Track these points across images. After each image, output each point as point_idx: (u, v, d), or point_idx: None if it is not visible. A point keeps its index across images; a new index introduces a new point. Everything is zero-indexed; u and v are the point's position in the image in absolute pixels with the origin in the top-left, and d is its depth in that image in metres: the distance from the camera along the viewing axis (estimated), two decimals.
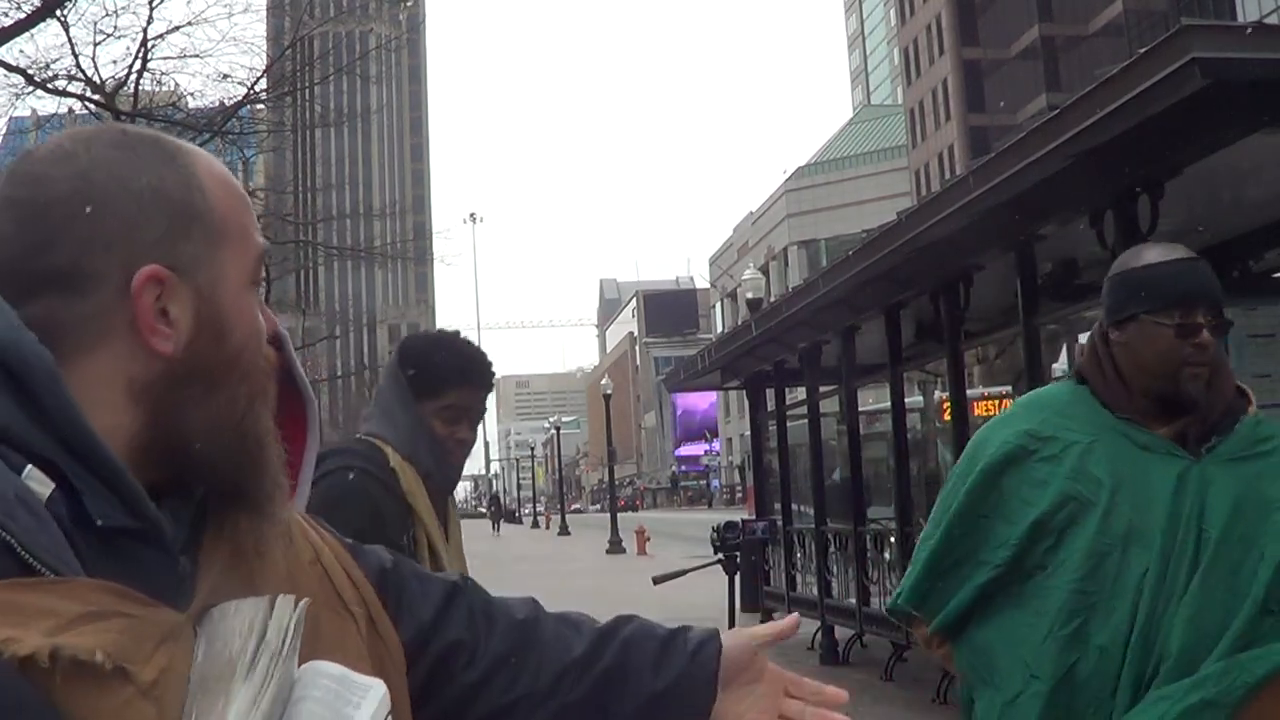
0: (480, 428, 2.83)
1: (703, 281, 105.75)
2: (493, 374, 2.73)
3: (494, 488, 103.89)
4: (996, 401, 11.40)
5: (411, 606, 1.12)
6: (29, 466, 0.78)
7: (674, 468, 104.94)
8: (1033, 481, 2.20)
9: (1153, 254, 2.24)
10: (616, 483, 43.14)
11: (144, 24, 16.88)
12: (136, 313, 0.89)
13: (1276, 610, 2.09)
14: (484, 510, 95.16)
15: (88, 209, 0.89)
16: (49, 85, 16.48)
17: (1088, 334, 2.40)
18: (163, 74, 17.63)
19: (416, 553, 2.45)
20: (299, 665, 0.84)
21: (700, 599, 13.65)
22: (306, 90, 20.69)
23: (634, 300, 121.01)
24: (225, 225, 0.95)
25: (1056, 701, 2.09)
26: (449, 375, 2.61)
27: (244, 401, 0.94)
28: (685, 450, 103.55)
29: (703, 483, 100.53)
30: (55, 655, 0.72)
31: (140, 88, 17.44)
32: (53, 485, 0.79)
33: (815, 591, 10.87)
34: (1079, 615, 2.10)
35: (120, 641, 0.75)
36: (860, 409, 11.55)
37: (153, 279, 0.89)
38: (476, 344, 2.72)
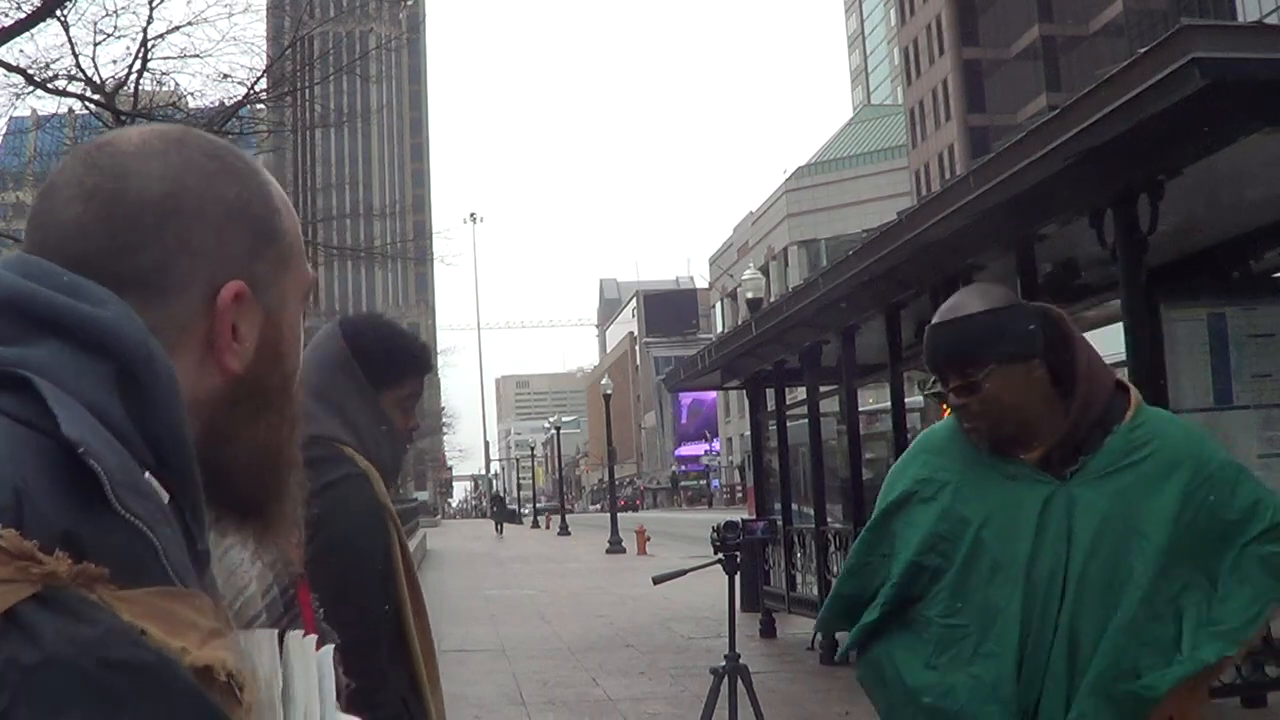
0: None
1: (703, 281, 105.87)
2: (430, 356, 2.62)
3: (494, 488, 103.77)
4: None
5: None
6: (147, 474, 0.76)
7: (674, 468, 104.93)
8: (911, 524, 2.35)
9: (936, 315, 2.33)
10: (616, 483, 43.13)
11: (144, 24, 16.89)
12: (217, 327, 0.88)
13: (1149, 627, 2.10)
14: (486, 511, 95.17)
15: (181, 214, 0.87)
16: (49, 85, 16.49)
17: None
18: (163, 74, 17.63)
19: (390, 557, 2.33)
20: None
21: (700, 599, 13.67)
22: (306, 90, 20.69)
23: (634, 300, 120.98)
24: (292, 249, 0.95)
25: None
26: (408, 361, 2.46)
27: (287, 427, 0.95)
28: (685, 450, 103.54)
29: (703, 483, 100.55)
30: (223, 669, 0.71)
31: (140, 88, 17.44)
32: (169, 498, 0.77)
33: (815, 591, 10.88)
34: (951, 647, 2.23)
35: (240, 662, 0.75)
36: (860, 409, 11.55)
37: (239, 295, 0.88)
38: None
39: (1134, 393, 2.30)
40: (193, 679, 0.69)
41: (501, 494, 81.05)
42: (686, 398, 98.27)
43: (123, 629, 0.67)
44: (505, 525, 54.14)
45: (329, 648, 0.88)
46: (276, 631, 0.88)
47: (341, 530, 2.20)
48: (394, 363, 2.43)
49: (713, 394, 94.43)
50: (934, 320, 2.31)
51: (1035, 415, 2.23)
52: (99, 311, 0.79)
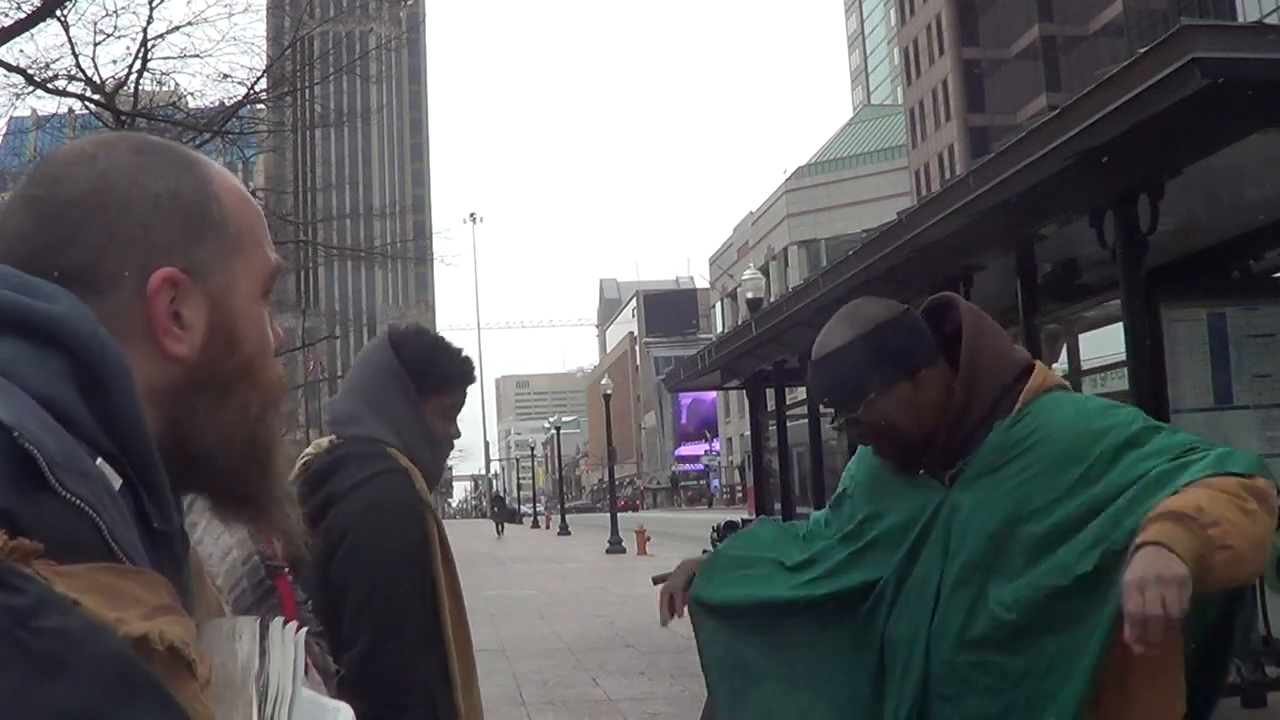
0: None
1: (703, 281, 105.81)
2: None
3: (494, 488, 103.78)
4: None
5: None
6: (99, 459, 0.79)
7: (674, 468, 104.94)
8: (824, 532, 2.40)
9: (813, 348, 2.29)
10: (616, 483, 43.13)
11: (144, 24, 16.91)
12: (152, 313, 0.90)
13: (1023, 629, 2.00)
14: (486, 511, 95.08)
15: (106, 208, 0.90)
16: (49, 85, 16.49)
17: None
18: (163, 74, 17.64)
19: (425, 551, 2.46)
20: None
21: None
22: (306, 90, 20.69)
23: (634, 300, 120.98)
24: (239, 235, 0.97)
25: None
26: (454, 374, 2.61)
27: (255, 409, 0.96)
28: (685, 450, 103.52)
29: (703, 483, 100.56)
30: (161, 639, 0.73)
31: (140, 88, 17.45)
32: (121, 481, 0.80)
33: None
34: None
35: (190, 637, 0.76)
36: None
37: (168, 281, 0.90)
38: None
39: (1034, 379, 2.15)
40: (125, 647, 0.71)
41: (502, 494, 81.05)
42: (686, 398, 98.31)
43: (53, 598, 0.70)
44: (505, 525, 54.13)
45: (301, 631, 0.89)
46: (259, 619, 0.89)
47: (370, 524, 2.39)
48: (437, 373, 2.59)
49: (712, 394, 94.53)
50: (811, 355, 2.25)
51: (935, 422, 2.15)
52: (51, 307, 0.83)
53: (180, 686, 0.74)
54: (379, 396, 2.55)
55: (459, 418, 2.67)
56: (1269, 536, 1.89)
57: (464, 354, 2.67)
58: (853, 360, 2.16)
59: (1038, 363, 2.22)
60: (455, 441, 2.69)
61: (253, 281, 0.97)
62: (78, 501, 0.74)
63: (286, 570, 1.96)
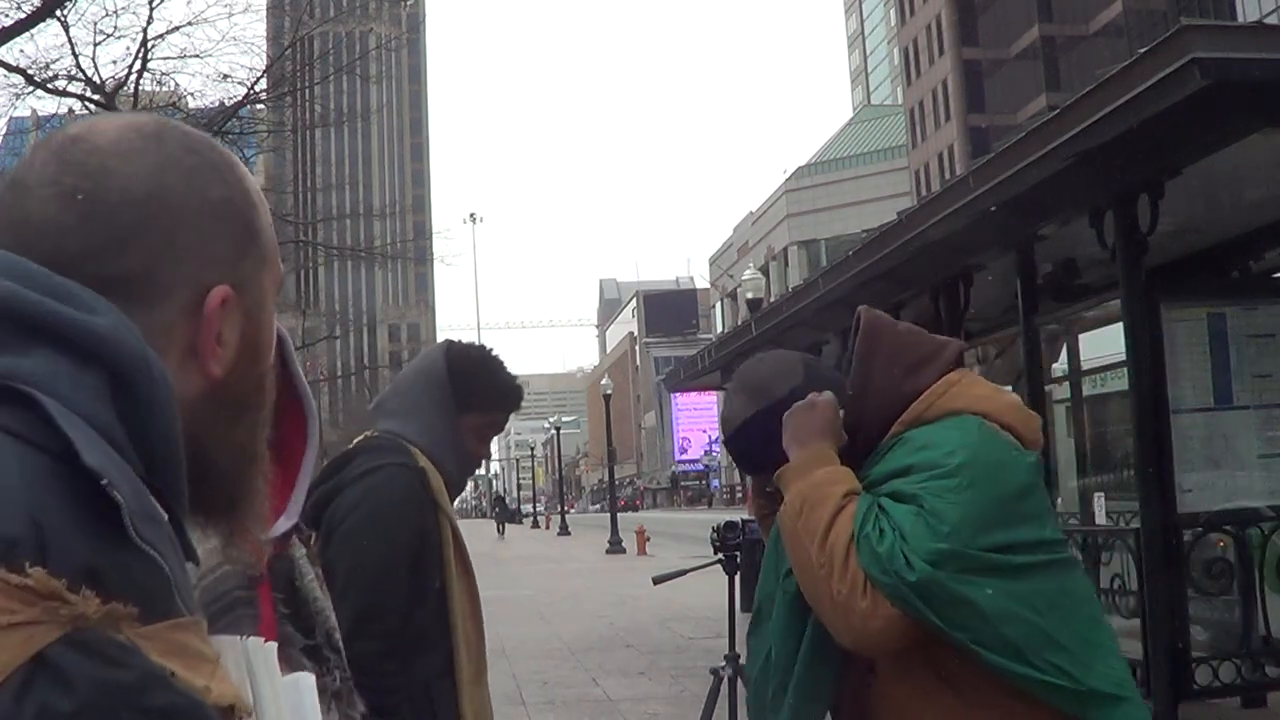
0: None
1: (703, 281, 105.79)
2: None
3: (494, 488, 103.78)
4: None
5: None
6: (148, 494, 0.73)
7: (674, 468, 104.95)
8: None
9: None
10: (616, 483, 43.13)
11: (144, 24, 16.94)
12: (202, 332, 0.84)
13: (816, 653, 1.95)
14: (486, 511, 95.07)
15: (164, 214, 0.83)
16: (49, 85, 16.50)
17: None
18: (163, 74, 17.66)
19: (443, 549, 2.49)
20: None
21: (700, 599, 13.66)
22: (306, 90, 20.71)
23: (634, 300, 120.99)
24: (270, 246, 0.92)
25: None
26: (498, 396, 2.65)
27: (262, 426, 0.93)
28: (685, 450, 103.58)
29: (703, 483, 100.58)
30: (241, 708, 0.70)
31: (140, 88, 17.46)
32: (167, 516, 0.74)
33: None
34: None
35: (244, 694, 0.75)
36: None
37: (226, 301, 0.85)
38: None
39: (916, 406, 1.95)
40: (218, 718, 0.68)
41: (502, 494, 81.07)
42: (687, 398, 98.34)
43: (155, 673, 0.65)
44: (506, 525, 54.16)
45: (272, 645, 0.87)
46: (240, 639, 0.86)
47: (362, 514, 2.43)
48: (479, 391, 2.63)
49: (712, 395, 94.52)
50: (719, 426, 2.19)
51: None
52: (94, 320, 0.74)
53: None
54: (418, 399, 2.60)
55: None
56: (805, 575, 1.89)
57: (513, 381, 2.70)
58: (756, 438, 2.03)
59: (947, 379, 1.98)
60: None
61: (274, 293, 0.93)
62: (152, 552, 0.68)
63: (263, 577, 1.93)
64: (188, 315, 0.83)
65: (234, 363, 0.87)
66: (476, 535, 49.13)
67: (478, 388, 2.62)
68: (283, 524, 1.58)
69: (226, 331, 0.86)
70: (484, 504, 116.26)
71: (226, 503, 0.92)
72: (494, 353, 2.75)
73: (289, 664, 1.54)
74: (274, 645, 0.87)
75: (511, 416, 2.85)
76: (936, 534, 1.77)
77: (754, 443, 2.04)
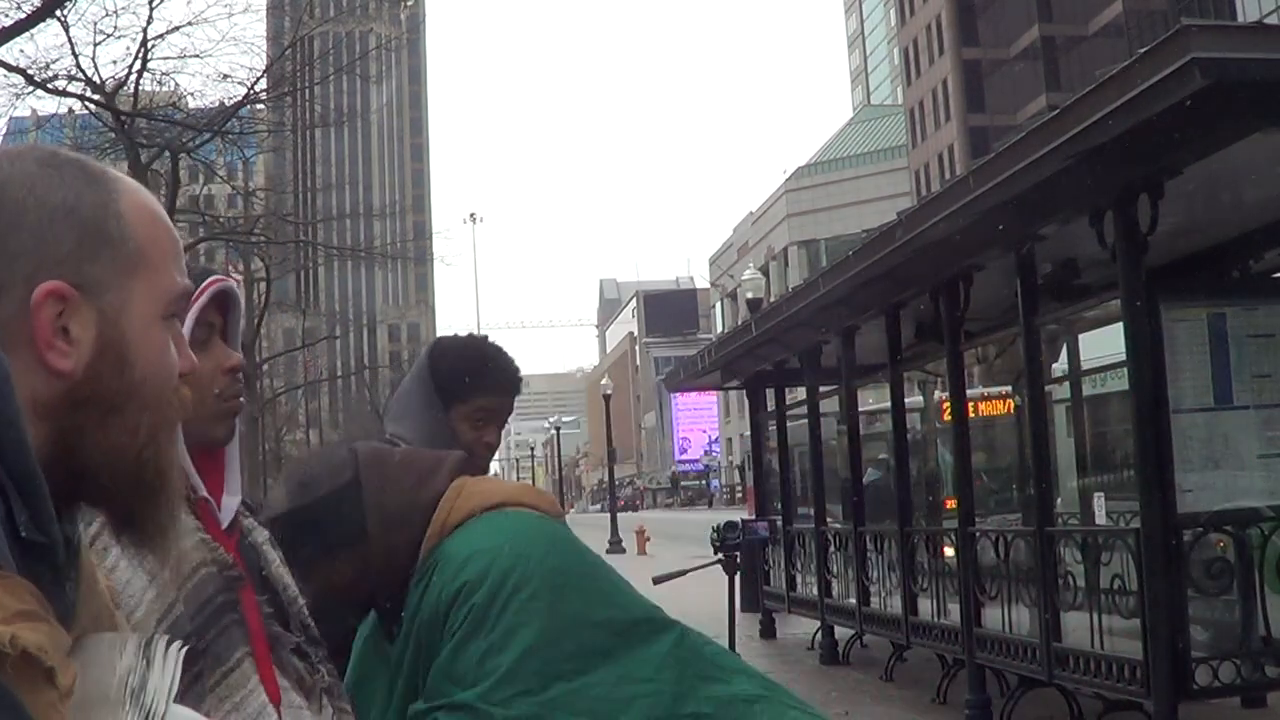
0: None
1: (703, 281, 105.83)
2: (519, 377, 2.77)
3: None
4: (998, 401, 11.39)
5: None
6: None
7: (674, 468, 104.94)
8: None
9: None
10: (616, 483, 43.13)
11: (144, 24, 16.97)
12: (34, 325, 0.90)
13: None
14: None
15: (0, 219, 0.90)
16: (49, 85, 16.52)
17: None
18: (163, 74, 17.69)
19: None
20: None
21: (700, 599, 13.65)
22: (306, 90, 20.72)
23: (634, 300, 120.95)
24: (140, 254, 0.96)
25: None
26: (475, 380, 2.65)
27: (145, 432, 0.94)
28: (685, 450, 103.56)
29: (703, 483, 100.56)
30: (13, 643, 0.72)
31: (140, 88, 17.49)
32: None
33: (815, 591, 10.88)
34: None
35: (51, 645, 0.76)
36: (860, 409, 11.55)
37: (54, 294, 0.90)
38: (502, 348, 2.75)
39: (431, 527, 1.86)
40: None
41: None
42: (687, 398, 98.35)
43: None
44: None
45: (182, 650, 0.89)
46: (145, 636, 0.88)
47: None
48: (459, 380, 2.63)
49: (711, 394, 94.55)
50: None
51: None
52: None
53: (34, 693, 0.73)
54: (411, 399, 2.67)
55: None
56: None
57: (490, 363, 2.69)
58: (294, 533, 1.88)
59: (456, 484, 1.91)
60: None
61: (153, 303, 0.96)
62: None
63: (243, 580, 1.87)
64: (26, 311, 0.89)
65: (92, 362, 0.91)
66: None
67: (454, 378, 2.64)
68: (230, 502, 1.59)
69: (75, 328, 0.91)
70: None
71: (127, 512, 0.95)
72: (480, 339, 2.79)
73: (281, 668, 1.54)
74: (176, 645, 0.88)
75: (512, 416, 2.85)
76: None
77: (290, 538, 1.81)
